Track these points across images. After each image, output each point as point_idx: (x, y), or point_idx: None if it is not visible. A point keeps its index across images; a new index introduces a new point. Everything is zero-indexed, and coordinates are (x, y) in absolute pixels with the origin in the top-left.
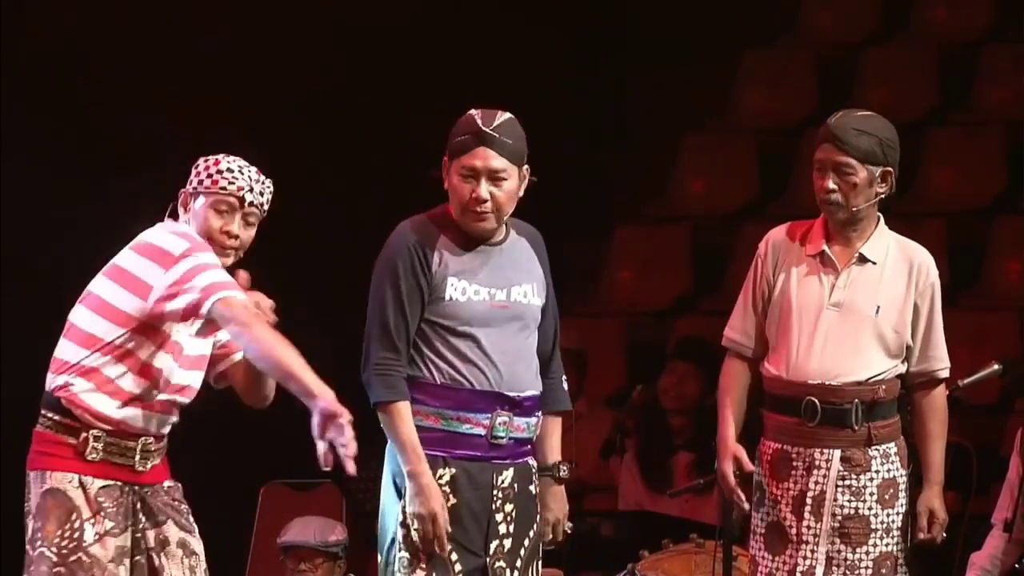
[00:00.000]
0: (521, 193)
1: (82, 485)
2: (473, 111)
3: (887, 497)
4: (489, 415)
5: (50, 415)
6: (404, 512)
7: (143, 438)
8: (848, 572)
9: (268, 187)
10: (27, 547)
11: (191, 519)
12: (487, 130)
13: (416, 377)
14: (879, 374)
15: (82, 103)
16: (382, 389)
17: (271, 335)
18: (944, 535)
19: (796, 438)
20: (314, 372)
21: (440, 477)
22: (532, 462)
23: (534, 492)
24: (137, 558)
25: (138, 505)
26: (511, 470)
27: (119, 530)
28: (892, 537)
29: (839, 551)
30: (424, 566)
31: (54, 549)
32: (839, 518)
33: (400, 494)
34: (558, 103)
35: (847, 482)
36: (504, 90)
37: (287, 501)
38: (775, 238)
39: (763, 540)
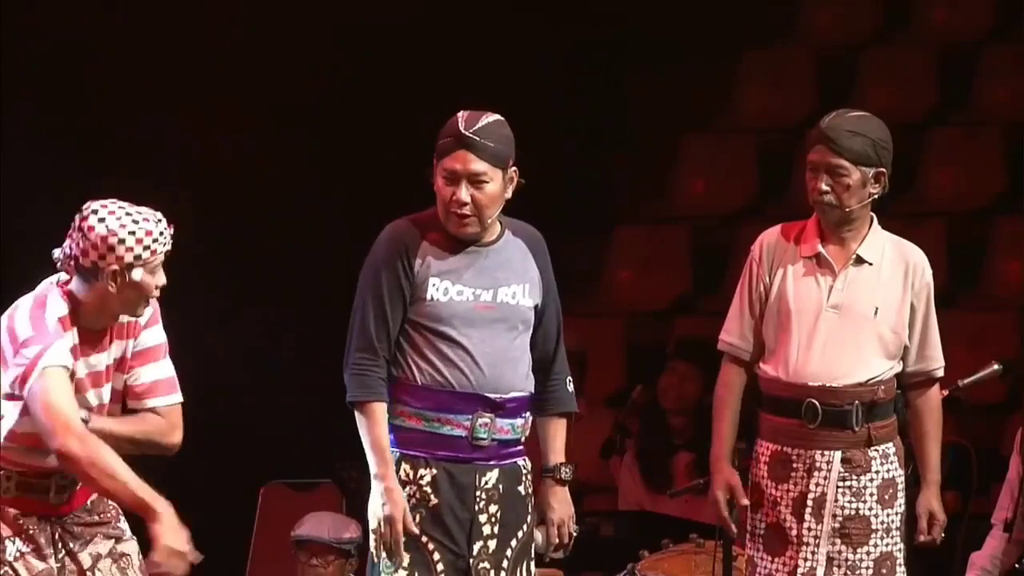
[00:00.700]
0: (508, 195)
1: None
2: (460, 113)
3: (887, 497)
4: (470, 416)
5: None
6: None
7: (56, 476)
8: (849, 572)
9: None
10: None
11: (121, 522)
12: (467, 133)
13: (398, 378)
14: (878, 375)
15: (82, 103)
16: (356, 388)
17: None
18: (943, 535)
19: (796, 440)
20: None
21: (421, 477)
22: (522, 463)
23: (524, 493)
24: None
25: (57, 534)
26: (496, 471)
27: (42, 555)
28: (892, 537)
29: (840, 552)
30: (406, 566)
31: None
32: (840, 519)
33: None
34: (558, 103)
35: (847, 483)
36: (504, 90)
37: (287, 501)
38: (769, 240)
39: (762, 541)
